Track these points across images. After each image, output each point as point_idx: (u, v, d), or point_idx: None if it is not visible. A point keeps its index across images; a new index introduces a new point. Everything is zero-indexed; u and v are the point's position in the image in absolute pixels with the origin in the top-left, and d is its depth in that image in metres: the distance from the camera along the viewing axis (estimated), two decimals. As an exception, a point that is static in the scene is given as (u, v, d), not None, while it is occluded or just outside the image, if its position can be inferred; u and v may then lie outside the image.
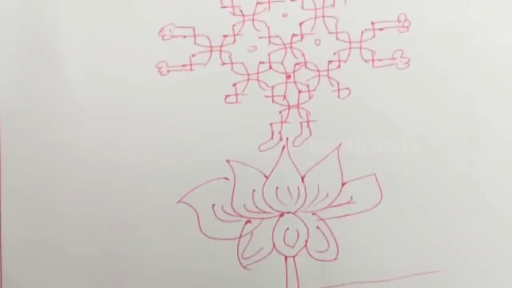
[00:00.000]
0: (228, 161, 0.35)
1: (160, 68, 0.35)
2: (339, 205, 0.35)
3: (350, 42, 0.36)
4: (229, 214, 0.35)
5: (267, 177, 0.35)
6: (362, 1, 0.36)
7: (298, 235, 0.35)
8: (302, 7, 0.36)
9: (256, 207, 0.35)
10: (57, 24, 0.35)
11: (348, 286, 0.34)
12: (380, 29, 0.36)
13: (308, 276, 0.35)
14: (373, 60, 0.36)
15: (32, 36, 0.35)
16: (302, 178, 0.35)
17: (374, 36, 0.36)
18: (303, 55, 0.36)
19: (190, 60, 0.35)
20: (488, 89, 0.35)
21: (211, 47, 0.35)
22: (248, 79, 0.35)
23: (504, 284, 0.35)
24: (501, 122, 0.35)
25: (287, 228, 0.35)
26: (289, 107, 0.36)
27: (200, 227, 0.35)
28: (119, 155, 0.34)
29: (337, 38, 0.36)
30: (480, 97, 0.36)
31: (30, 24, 0.35)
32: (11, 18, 0.35)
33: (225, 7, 0.35)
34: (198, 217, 0.35)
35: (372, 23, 0.36)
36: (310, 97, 0.36)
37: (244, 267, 0.35)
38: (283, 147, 0.35)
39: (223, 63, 0.35)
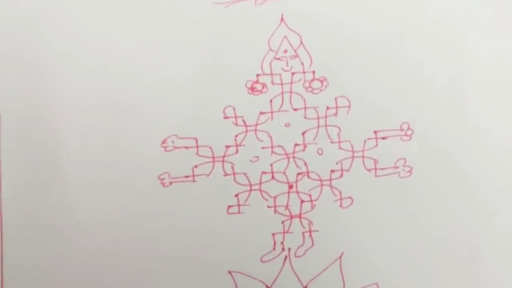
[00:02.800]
0: (230, 272, 0.35)
1: (162, 179, 0.35)
2: (341, 316, 0.35)
3: (353, 151, 0.36)
4: (231, 325, 0.35)
5: (269, 288, 0.35)
6: (365, 110, 0.36)
7: None
8: (305, 117, 0.36)
9: (258, 317, 0.35)
10: (59, 133, 0.35)
11: None
12: (383, 138, 0.36)
13: None
14: (375, 169, 0.36)
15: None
16: (304, 289, 0.35)
17: (376, 145, 0.36)
18: (305, 164, 0.36)
19: (193, 171, 0.35)
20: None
21: (213, 158, 0.35)
22: (251, 190, 0.35)
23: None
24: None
25: None
26: (291, 217, 0.36)
27: None
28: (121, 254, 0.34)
29: (339, 148, 0.36)
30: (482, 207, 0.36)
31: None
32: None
33: (227, 117, 0.35)
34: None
35: (375, 132, 0.36)
36: (313, 207, 0.36)
37: None
38: (285, 258, 0.35)
39: (226, 174, 0.35)
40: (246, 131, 0.36)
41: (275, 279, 0.35)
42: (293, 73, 0.36)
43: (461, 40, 0.36)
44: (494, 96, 0.36)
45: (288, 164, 0.36)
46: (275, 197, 0.36)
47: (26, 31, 0.35)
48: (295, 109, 0.36)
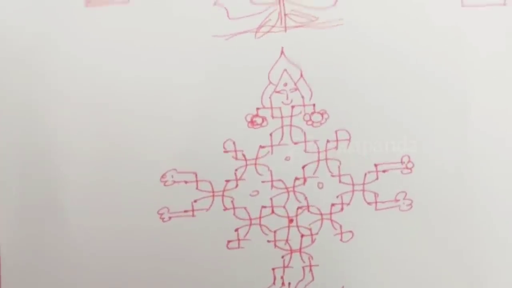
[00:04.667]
0: (230, 307, 0.35)
1: (161, 214, 0.35)
2: None
3: (353, 185, 0.36)
4: None
5: (269, 323, 0.35)
6: (365, 143, 0.36)
7: None
8: (305, 150, 0.36)
9: None
10: (58, 169, 0.35)
11: None
12: (384, 171, 0.36)
13: None
14: (376, 202, 0.36)
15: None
16: (305, 324, 0.35)
17: (377, 178, 0.36)
18: (305, 198, 0.36)
19: (192, 206, 0.35)
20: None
21: (213, 192, 0.35)
22: (251, 224, 0.35)
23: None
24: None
25: None
26: (291, 251, 0.35)
27: None
28: None
29: (340, 181, 0.36)
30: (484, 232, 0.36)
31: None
32: None
33: (227, 151, 0.35)
34: None
35: (376, 165, 0.36)
36: (313, 241, 0.36)
37: None
38: (285, 292, 0.35)
39: (226, 208, 0.35)
40: (246, 165, 0.35)
41: (275, 314, 0.35)
42: (293, 106, 0.36)
43: (462, 74, 0.36)
44: (495, 129, 0.36)
45: (288, 198, 0.35)
46: (275, 232, 0.35)
47: (27, 71, 0.35)
48: (295, 143, 0.36)
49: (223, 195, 0.35)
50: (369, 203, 0.36)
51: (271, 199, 0.35)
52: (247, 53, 0.35)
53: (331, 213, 0.36)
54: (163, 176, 0.35)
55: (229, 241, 0.35)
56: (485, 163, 0.36)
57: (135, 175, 0.35)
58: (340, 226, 0.36)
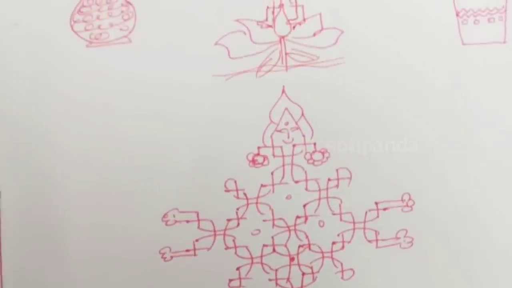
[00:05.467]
0: None
1: (163, 254, 0.35)
2: None
3: (354, 223, 0.36)
4: None
5: None
6: (366, 181, 0.36)
7: None
8: (306, 189, 0.36)
9: None
10: (59, 212, 0.35)
11: None
12: (384, 209, 0.36)
13: None
14: (376, 240, 0.36)
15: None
16: None
17: (378, 216, 0.36)
18: (306, 237, 0.36)
19: (194, 245, 0.35)
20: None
21: (215, 231, 0.35)
22: (252, 263, 0.35)
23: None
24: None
25: None
26: (292, 290, 0.36)
27: None
28: None
29: (341, 219, 0.36)
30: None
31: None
32: None
33: (229, 190, 0.35)
34: None
35: (376, 203, 0.36)
36: (314, 279, 0.36)
37: None
38: (287, 331, 0.35)
39: (227, 247, 0.35)
40: (247, 204, 0.35)
41: None
42: (294, 145, 0.36)
43: (462, 112, 0.36)
44: (495, 165, 0.36)
45: (289, 237, 0.36)
46: (276, 270, 0.36)
47: (29, 111, 0.35)
48: (296, 181, 0.36)
49: (224, 234, 0.35)
50: (370, 241, 0.36)
51: (272, 237, 0.36)
52: (248, 92, 0.36)
53: (332, 251, 0.36)
54: (165, 215, 0.35)
55: (230, 280, 0.35)
56: (486, 200, 0.36)
57: (137, 215, 0.35)
58: (341, 264, 0.36)
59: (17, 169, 0.34)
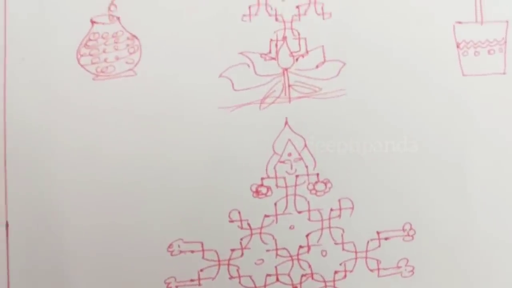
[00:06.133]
0: None
1: (168, 284, 0.36)
2: None
3: (356, 252, 0.36)
4: None
5: None
6: (368, 211, 0.36)
7: None
8: (309, 219, 0.36)
9: None
10: (65, 242, 0.35)
11: None
12: (386, 239, 0.36)
13: None
14: (378, 269, 0.36)
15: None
16: None
17: (379, 246, 0.36)
18: (309, 266, 0.36)
19: (199, 275, 0.36)
20: None
21: (219, 261, 0.36)
22: (256, 292, 0.36)
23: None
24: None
25: None
26: (295, 319, 0.36)
27: None
28: None
29: (343, 249, 0.36)
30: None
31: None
32: None
33: (233, 221, 0.36)
34: None
35: (378, 233, 0.36)
36: (317, 308, 0.36)
37: None
38: None
39: (231, 277, 0.36)
40: (251, 234, 0.36)
41: None
42: (297, 176, 0.36)
43: (461, 143, 0.37)
44: (497, 195, 0.37)
45: (292, 266, 0.36)
46: (279, 299, 0.36)
47: (37, 146, 0.35)
48: (299, 212, 0.36)
49: (228, 264, 0.36)
50: (371, 270, 0.36)
51: (275, 267, 0.36)
52: (252, 124, 0.36)
53: (334, 280, 0.36)
54: (170, 246, 0.36)
55: (234, 309, 0.36)
56: (486, 229, 0.37)
57: (142, 245, 0.35)
58: (343, 293, 0.36)
59: (25, 201, 0.35)
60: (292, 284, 0.36)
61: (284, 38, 0.37)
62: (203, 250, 0.36)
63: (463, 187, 0.37)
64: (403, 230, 0.37)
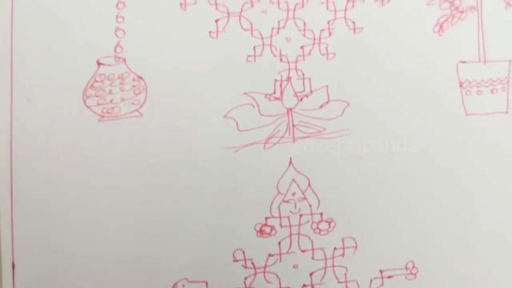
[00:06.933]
0: None
1: (174, 321, 0.36)
2: None
3: (360, 290, 0.37)
4: None
5: None
6: (371, 250, 0.37)
7: None
8: (313, 258, 0.37)
9: None
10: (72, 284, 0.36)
11: None
12: (389, 277, 0.37)
13: None
14: (381, 307, 0.37)
15: None
16: None
17: (382, 284, 0.37)
18: (313, 304, 0.37)
19: (203, 315, 0.36)
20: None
21: (223, 297, 0.36)
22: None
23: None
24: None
25: None
26: None
27: None
28: None
29: (346, 287, 0.37)
30: None
31: None
32: None
33: (237, 260, 0.36)
34: None
35: (381, 271, 0.37)
36: None
37: None
38: None
39: (235, 315, 0.36)
40: (255, 273, 0.36)
41: None
42: (301, 215, 0.37)
43: (466, 183, 0.37)
44: (498, 234, 0.37)
45: (295, 303, 0.37)
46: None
47: (44, 185, 0.35)
48: (303, 251, 0.37)
49: (233, 303, 0.36)
50: (376, 306, 0.37)
51: (279, 300, 0.36)
52: (256, 164, 0.36)
53: (337, 319, 0.37)
54: (174, 285, 0.36)
55: None
56: (489, 269, 0.37)
57: (147, 285, 0.36)
58: (346, 332, 0.37)
59: (32, 243, 0.35)
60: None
61: (289, 78, 0.37)
62: (207, 289, 0.36)
63: (467, 226, 0.37)
64: (406, 268, 0.37)
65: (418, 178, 0.37)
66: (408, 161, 0.37)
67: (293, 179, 0.37)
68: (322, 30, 0.37)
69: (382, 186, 0.37)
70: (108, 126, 0.36)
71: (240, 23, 0.37)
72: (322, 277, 0.37)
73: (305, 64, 0.37)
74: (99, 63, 0.36)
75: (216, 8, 0.37)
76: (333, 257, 0.37)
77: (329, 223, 0.37)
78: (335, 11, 0.37)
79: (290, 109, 0.37)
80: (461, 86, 0.38)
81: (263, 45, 0.37)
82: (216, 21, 0.37)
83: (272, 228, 0.37)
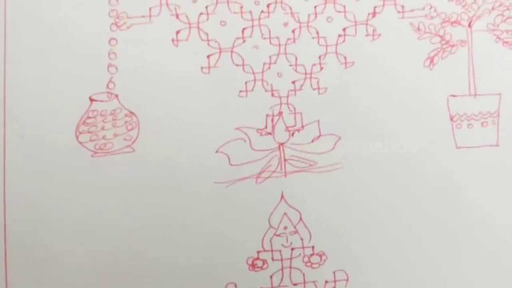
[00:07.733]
0: None
1: None
2: None
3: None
4: None
5: None
6: (363, 283, 0.37)
7: None
8: (311, 297, 0.37)
9: None
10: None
11: None
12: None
13: None
14: None
15: None
16: None
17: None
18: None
19: None
20: None
21: None
22: None
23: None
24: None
25: None
26: None
27: None
28: None
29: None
30: None
31: None
32: None
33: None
34: None
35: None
36: None
37: None
38: None
39: None
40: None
41: None
42: (292, 249, 0.37)
43: (457, 214, 0.37)
44: (489, 271, 0.37)
45: None
46: None
47: (36, 222, 0.36)
48: (295, 284, 0.37)
49: None
50: None
51: None
52: (248, 198, 0.37)
53: None
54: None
55: None
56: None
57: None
58: None
59: (25, 281, 0.35)
60: None
61: (280, 113, 0.37)
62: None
63: (458, 262, 0.37)
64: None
65: (410, 215, 0.37)
66: (399, 198, 0.37)
67: (285, 213, 0.37)
68: (313, 65, 0.37)
69: (372, 220, 0.37)
70: (101, 162, 0.36)
71: (232, 59, 0.37)
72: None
73: (297, 99, 0.37)
74: (91, 100, 0.36)
75: (208, 44, 0.37)
76: (334, 303, 0.37)
77: (320, 256, 0.37)
78: (326, 45, 0.38)
79: (282, 144, 0.37)
80: (451, 119, 0.38)
81: (255, 80, 0.37)
82: (208, 56, 0.37)
83: (264, 261, 0.37)
